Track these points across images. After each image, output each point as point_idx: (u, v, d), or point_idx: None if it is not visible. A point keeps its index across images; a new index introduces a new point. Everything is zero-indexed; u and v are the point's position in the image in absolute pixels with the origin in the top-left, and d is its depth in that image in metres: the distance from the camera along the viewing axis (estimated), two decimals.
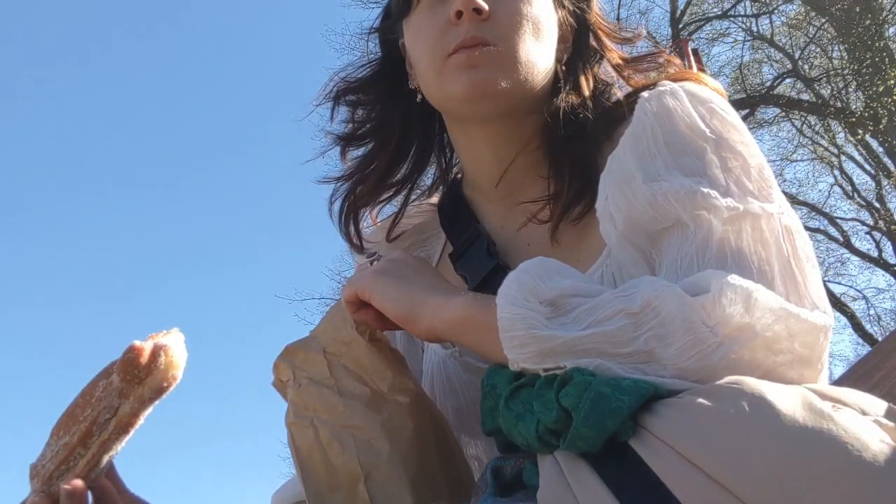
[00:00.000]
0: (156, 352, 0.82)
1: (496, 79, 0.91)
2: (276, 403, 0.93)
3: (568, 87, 0.97)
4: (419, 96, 1.01)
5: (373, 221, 1.12)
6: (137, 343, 0.82)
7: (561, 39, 1.00)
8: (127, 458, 0.88)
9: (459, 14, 0.90)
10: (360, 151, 1.08)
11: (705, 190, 0.76)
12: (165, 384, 0.83)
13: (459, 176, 1.11)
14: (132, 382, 0.81)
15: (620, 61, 1.01)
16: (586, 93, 0.98)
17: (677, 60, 1.02)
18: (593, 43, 1.02)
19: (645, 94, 0.86)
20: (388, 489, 0.82)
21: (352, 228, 1.08)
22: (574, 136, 0.95)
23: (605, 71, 1.03)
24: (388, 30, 1.05)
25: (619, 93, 1.00)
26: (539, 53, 0.94)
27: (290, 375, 0.90)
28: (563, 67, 0.99)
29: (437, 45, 0.93)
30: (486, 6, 0.90)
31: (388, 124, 1.06)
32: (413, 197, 1.11)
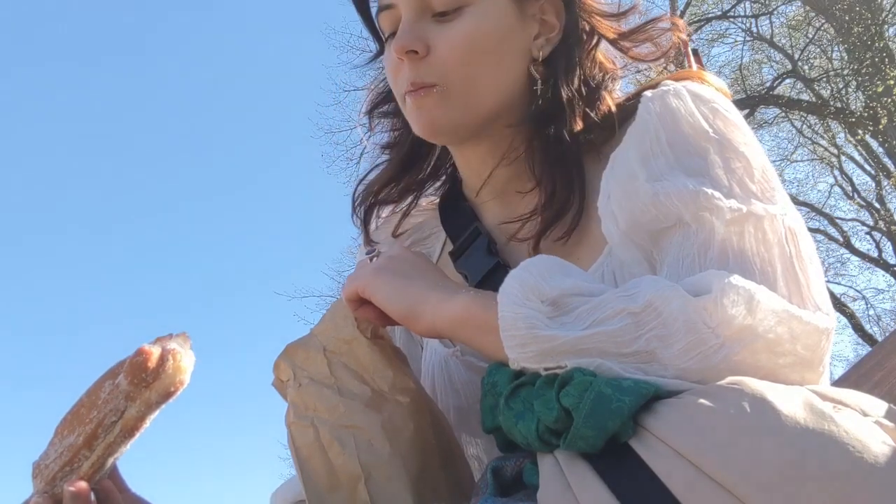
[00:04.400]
0: (164, 356, 0.82)
1: (441, 118, 0.92)
2: (276, 403, 0.93)
3: (546, 93, 0.94)
4: None
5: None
6: (146, 346, 0.82)
7: (543, 31, 0.96)
8: (126, 457, 0.88)
9: (400, 56, 0.92)
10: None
11: (708, 190, 0.76)
12: (173, 389, 0.83)
13: (459, 174, 1.11)
14: (139, 386, 0.81)
15: (615, 35, 0.98)
16: (564, 98, 0.93)
17: (680, 22, 1.00)
18: (585, 25, 0.97)
19: (648, 93, 0.86)
20: (389, 489, 0.82)
21: (369, 225, 1.10)
22: (555, 146, 0.93)
23: (608, 52, 1.00)
24: (368, 60, 1.08)
25: (609, 99, 0.96)
26: (488, 75, 0.92)
27: (291, 375, 0.90)
28: (541, 67, 0.95)
29: (394, 84, 0.97)
30: (417, 47, 0.90)
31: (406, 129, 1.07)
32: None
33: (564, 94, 0.94)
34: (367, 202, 1.09)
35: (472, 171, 1.02)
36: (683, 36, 0.98)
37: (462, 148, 1.00)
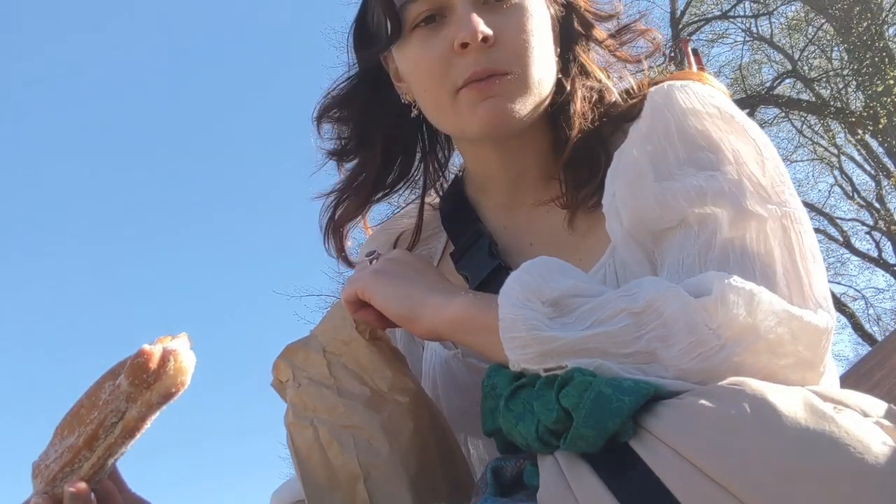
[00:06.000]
0: (165, 357, 0.82)
1: (513, 107, 0.88)
2: (276, 403, 0.93)
3: (570, 76, 0.95)
4: (414, 112, 0.99)
5: (366, 230, 1.12)
6: (147, 347, 0.82)
7: (553, 28, 0.97)
8: (126, 457, 0.88)
9: (465, 45, 0.86)
10: (351, 164, 1.06)
11: (715, 188, 0.76)
12: (174, 390, 0.83)
13: (461, 174, 1.10)
14: (140, 387, 0.81)
15: (603, 36, 0.99)
16: (592, 81, 0.96)
17: (652, 32, 1.00)
18: (577, 26, 0.98)
19: (653, 90, 0.86)
20: (388, 489, 0.82)
21: (337, 244, 1.07)
22: (583, 128, 0.93)
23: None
24: (374, 55, 0.99)
25: (630, 78, 0.98)
26: (547, 66, 0.92)
27: (290, 375, 0.90)
28: (558, 60, 0.96)
29: (442, 78, 0.89)
30: (491, 33, 0.86)
31: (369, 139, 1.04)
32: (413, 197, 1.11)
33: (579, 85, 0.95)
34: (339, 225, 1.06)
35: (499, 169, 0.99)
36: (659, 37, 0.99)
37: (499, 145, 0.96)
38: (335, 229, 1.07)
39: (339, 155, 1.06)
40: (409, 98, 0.99)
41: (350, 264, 1.09)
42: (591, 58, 0.99)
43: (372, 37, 0.98)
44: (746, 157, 0.79)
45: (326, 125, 1.05)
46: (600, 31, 0.99)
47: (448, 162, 1.11)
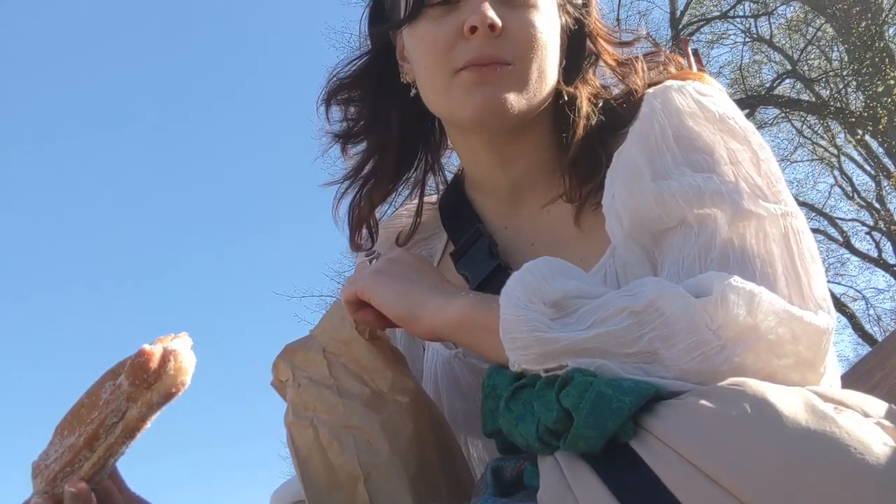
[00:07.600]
0: (165, 357, 0.82)
1: (508, 97, 0.89)
2: (276, 403, 0.93)
3: (573, 84, 0.96)
4: (413, 91, 0.99)
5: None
6: (147, 347, 0.82)
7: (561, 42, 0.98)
8: (126, 456, 0.88)
9: (473, 29, 0.88)
10: (359, 148, 1.06)
11: (712, 189, 0.77)
12: (174, 390, 0.83)
13: (460, 174, 1.10)
14: (141, 387, 0.81)
15: (614, 63, 0.99)
16: (595, 88, 0.97)
17: (679, 59, 1.01)
18: (590, 45, 1.00)
19: (651, 91, 0.86)
20: (388, 489, 0.82)
21: (364, 231, 1.07)
22: (582, 136, 0.94)
23: (601, 74, 1.01)
24: (386, 32, 1.01)
25: (635, 74, 0.98)
26: (550, 67, 0.93)
27: (290, 375, 0.90)
28: (563, 69, 0.97)
29: (444, 58, 0.90)
30: (500, 23, 0.88)
31: (382, 120, 1.03)
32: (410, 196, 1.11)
33: (583, 90, 0.96)
34: (368, 211, 1.06)
35: (491, 167, 0.99)
36: (672, 70, 0.99)
37: (491, 139, 0.96)
38: (362, 217, 1.06)
39: (348, 137, 1.05)
40: (409, 78, 0.99)
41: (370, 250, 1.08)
42: (596, 74, 1.00)
43: (386, 14, 1.00)
44: (742, 158, 0.80)
45: (334, 108, 1.05)
46: (610, 55, 0.99)
47: (440, 156, 1.11)
